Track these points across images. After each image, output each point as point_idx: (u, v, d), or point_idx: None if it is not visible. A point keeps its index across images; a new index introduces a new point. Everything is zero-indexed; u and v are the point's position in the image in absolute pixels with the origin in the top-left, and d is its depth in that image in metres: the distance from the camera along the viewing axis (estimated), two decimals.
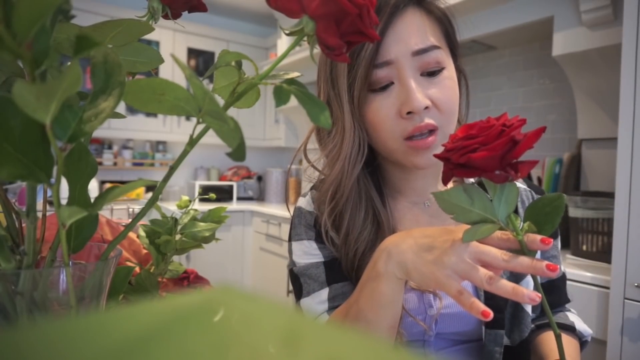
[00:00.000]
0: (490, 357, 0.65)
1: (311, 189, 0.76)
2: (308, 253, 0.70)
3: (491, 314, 0.42)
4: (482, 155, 0.37)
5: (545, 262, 0.40)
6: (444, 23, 0.65)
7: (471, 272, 0.43)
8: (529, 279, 0.69)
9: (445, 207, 0.40)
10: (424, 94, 0.60)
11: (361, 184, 0.68)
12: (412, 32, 0.61)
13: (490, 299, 0.65)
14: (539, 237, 0.41)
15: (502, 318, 0.65)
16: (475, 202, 0.39)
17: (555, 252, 0.74)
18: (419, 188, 0.72)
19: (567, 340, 0.67)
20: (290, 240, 0.74)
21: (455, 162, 0.39)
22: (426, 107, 0.60)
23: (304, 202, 0.75)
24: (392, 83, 0.62)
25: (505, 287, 0.42)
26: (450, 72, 0.64)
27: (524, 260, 0.41)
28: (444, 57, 0.63)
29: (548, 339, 0.67)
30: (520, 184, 0.74)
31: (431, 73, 0.62)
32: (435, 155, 0.42)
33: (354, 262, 0.66)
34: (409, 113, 0.60)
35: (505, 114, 0.40)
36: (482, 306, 0.42)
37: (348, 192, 0.66)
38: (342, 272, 0.68)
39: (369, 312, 0.54)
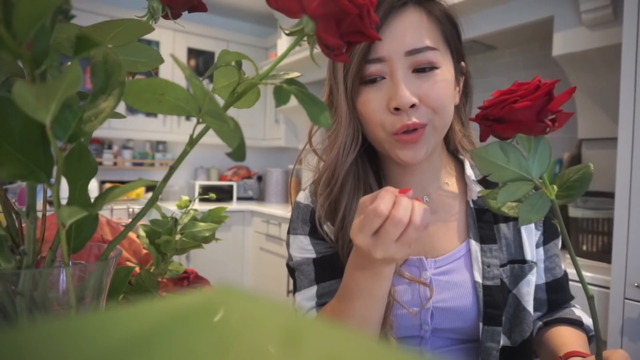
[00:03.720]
0: (488, 354, 0.66)
1: (311, 183, 0.78)
2: (302, 248, 0.73)
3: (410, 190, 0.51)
4: (524, 105, 0.38)
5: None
6: (444, 24, 0.66)
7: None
8: (530, 278, 0.69)
9: (482, 166, 0.41)
10: (413, 92, 0.61)
11: (360, 172, 0.70)
12: (407, 32, 0.62)
13: (489, 295, 0.66)
14: None
15: (499, 315, 0.66)
16: (510, 160, 0.40)
17: (556, 250, 0.75)
18: (418, 183, 0.73)
19: (576, 333, 0.68)
20: (288, 232, 0.77)
21: (495, 117, 0.40)
22: (413, 105, 0.61)
23: (302, 197, 0.77)
24: (384, 77, 0.63)
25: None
26: (444, 73, 0.64)
27: None
28: (438, 58, 0.63)
29: (560, 333, 0.68)
30: None
31: (422, 70, 0.63)
32: (472, 118, 0.44)
33: (350, 246, 0.67)
34: (396, 109, 0.61)
35: (537, 77, 0.42)
36: None
37: (343, 178, 0.68)
38: (331, 269, 0.70)
39: (362, 309, 0.57)
